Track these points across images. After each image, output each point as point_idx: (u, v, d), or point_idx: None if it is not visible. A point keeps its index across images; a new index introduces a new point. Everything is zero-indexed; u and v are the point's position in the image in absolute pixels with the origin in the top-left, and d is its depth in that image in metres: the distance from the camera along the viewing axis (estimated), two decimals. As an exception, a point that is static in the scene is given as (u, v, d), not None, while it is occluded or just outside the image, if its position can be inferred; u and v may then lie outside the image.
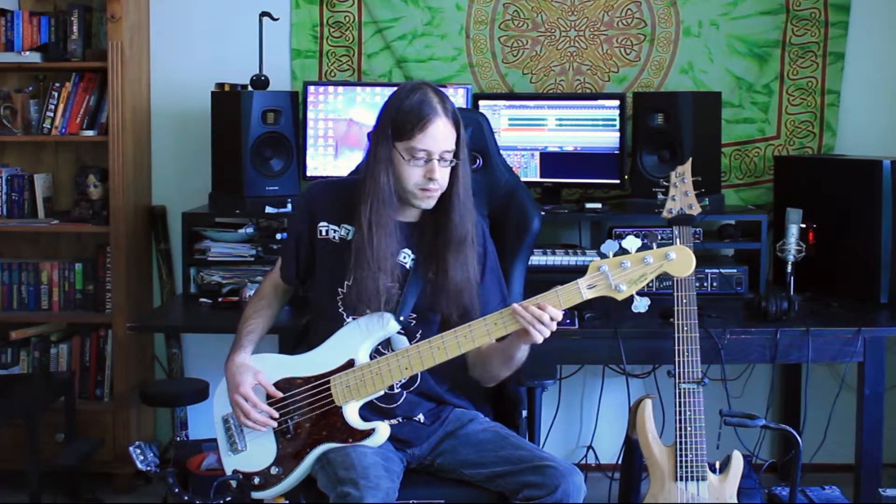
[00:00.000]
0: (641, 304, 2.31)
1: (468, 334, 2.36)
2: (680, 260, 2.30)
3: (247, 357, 2.52)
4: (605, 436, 4.02)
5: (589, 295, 2.32)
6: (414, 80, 2.49)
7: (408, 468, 2.50)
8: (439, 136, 2.37)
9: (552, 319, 2.30)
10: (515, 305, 2.32)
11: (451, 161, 2.40)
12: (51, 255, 4.06)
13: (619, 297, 2.31)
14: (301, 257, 2.57)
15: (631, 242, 2.30)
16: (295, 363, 2.50)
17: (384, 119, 2.42)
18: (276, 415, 2.46)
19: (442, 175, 2.39)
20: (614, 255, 2.30)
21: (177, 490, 2.56)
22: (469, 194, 2.46)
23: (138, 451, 2.58)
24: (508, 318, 2.34)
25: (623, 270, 2.29)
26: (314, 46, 4.03)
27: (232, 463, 2.51)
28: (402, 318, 2.45)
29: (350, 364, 2.43)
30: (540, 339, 2.32)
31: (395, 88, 2.47)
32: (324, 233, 2.52)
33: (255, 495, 2.49)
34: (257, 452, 2.48)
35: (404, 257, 2.48)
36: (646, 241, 3.59)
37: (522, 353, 2.43)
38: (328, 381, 2.43)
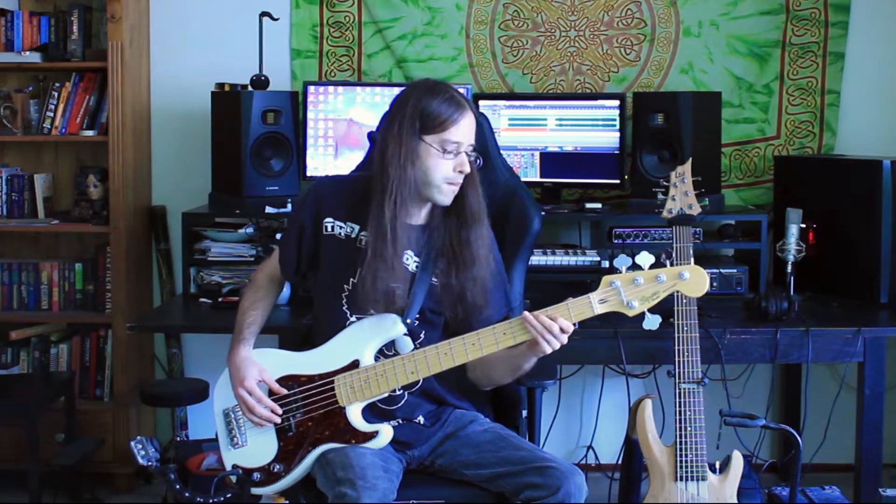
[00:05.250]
0: (652, 322, 2.31)
1: (476, 342, 2.36)
2: (693, 279, 2.30)
3: (250, 350, 2.52)
4: (605, 436, 4.02)
5: (600, 310, 2.32)
6: (426, 79, 2.50)
7: (408, 469, 2.50)
8: (468, 128, 2.41)
9: (563, 331, 2.30)
10: (526, 314, 2.31)
11: (473, 155, 2.42)
12: (51, 255, 4.07)
13: (631, 313, 2.31)
14: (303, 252, 2.56)
15: (644, 258, 2.29)
16: (299, 360, 2.50)
17: (406, 113, 2.39)
18: (280, 411, 2.45)
19: (469, 166, 2.41)
20: (627, 271, 2.30)
21: (178, 486, 2.55)
22: (482, 202, 2.48)
23: (139, 445, 2.57)
24: (518, 327, 2.34)
25: (636, 287, 2.29)
26: (314, 46, 4.03)
27: (231, 458, 2.50)
28: (407, 321, 2.45)
29: (355, 365, 2.43)
30: (549, 350, 2.32)
31: (408, 88, 2.47)
32: (329, 229, 2.52)
33: (255, 491, 2.49)
34: (258, 448, 2.48)
35: (407, 259, 2.48)
36: (647, 239, 3.59)
37: (529, 363, 2.43)
38: (332, 381, 2.43)
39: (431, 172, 2.39)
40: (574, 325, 2.33)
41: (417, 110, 2.38)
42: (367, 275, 2.40)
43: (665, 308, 2.99)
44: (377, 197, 2.41)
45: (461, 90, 3.67)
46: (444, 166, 2.39)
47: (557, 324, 2.30)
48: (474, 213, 2.45)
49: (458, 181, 2.41)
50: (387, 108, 2.51)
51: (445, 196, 2.43)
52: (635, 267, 2.30)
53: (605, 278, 2.31)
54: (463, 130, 2.39)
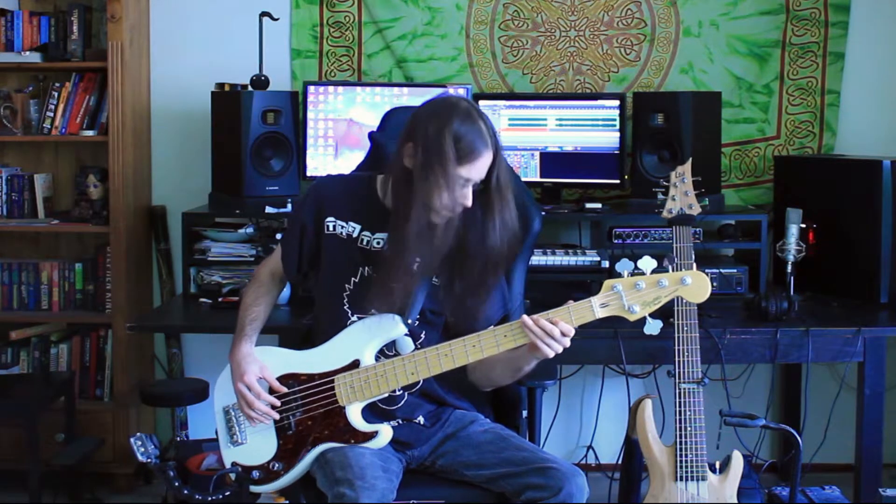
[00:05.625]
0: (653, 327, 2.31)
1: (476, 344, 2.36)
2: (696, 285, 2.30)
3: (252, 346, 2.52)
4: (605, 436, 4.02)
5: (601, 314, 2.31)
6: (458, 101, 2.41)
7: (408, 469, 2.50)
8: (482, 167, 2.37)
9: (563, 335, 2.30)
10: (525, 318, 2.31)
11: (477, 185, 2.40)
12: (51, 255, 4.06)
13: (632, 318, 2.31)
14: (304, 250, 2.56)
15: (646, 263, 2.29)
16: (299, 359, 2.50)
17: (433, 138, 2.33)
18: (279, 404, 2.45)
19: (469, 199, 2.39)
20: (629, 275, 2.30)
21: (177, 483, 2.56)
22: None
23: (139, 442, 2.58)
24: (519, 331, 2.33)
25: (637, 292, 2.29)
26: (314, 46, 4.03)
27: (231, 455, 2.51)
28: (409, 321, 2.45)
29: (355, 364, 2.43)
30: (551, 354, 2.32)
31: (440, 100, 2.41)
32: (331, 228, 2.52)
33: (254, 490, 2.49)
34: (257, 446, 2.48)
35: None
36: (647, 239, 3.59)
37: (530, 366, 2.43)
38: (332, 381, 2.43)
39: (433, 199, 2.37)
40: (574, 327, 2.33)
41: (446, 141, 2.33)
42: (366, 282, 2.41)
43: (665, 308, 3.01)
44: (396, 208, 2.40)
45: (461, 90, 3.74)
46: (446, 197, 2.38)
47: (558, 328, 2.30)
48: (475, 216, 2.45)
49: (456, 210, 2.40)
50: (388, 108, 2.51)
51: (440, 219, 2.42)
52: (638, 272, 2.30)
53: (607, 282, 2.31)
54: (477, 169, 2.37)
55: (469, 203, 2.39)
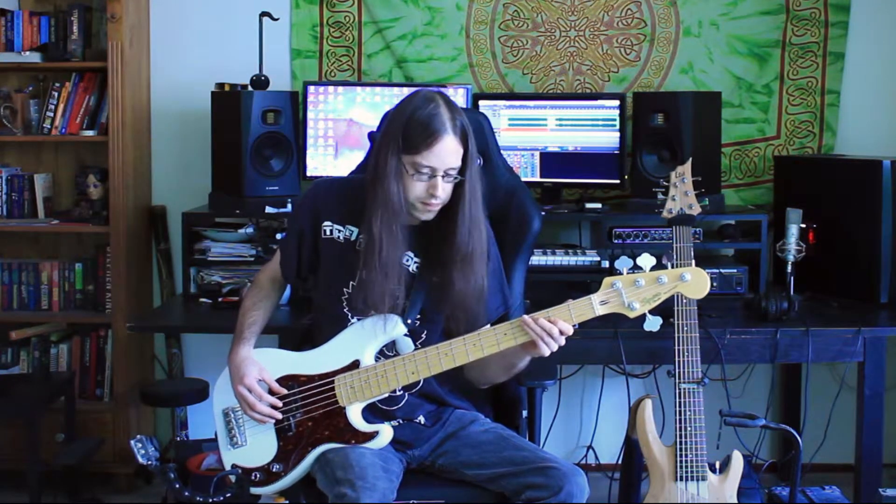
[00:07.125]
0: (653, 323, 2.32)
1: (477, 342, 2.36)
2: (695, 281, 2.30)
3: (250, 350, 2.52)
4: (605, 436, 4.02)
5: (601, 311, 2.32)
6: (427, 90, 2.43)
7: (408, 469, 2.50)
8: (445, 153, 2.34)
9: (561, 333, 2.30)
10: (525, 317, 2.31)
11: (456, 177, 2.39)
12: (51, 255, 4.06)
13: (632, 314, 2.31)
14: (303, 255, 2.56)
15: (645, 260, 2.30)
16: (299, 360, 2.50)
17: (393, 127, 2.37)
18: (280, 405, 2.45)
19: (444, 190, 2.37)
20: (628, 272, 2.30)
21: (177, 485, 2.56)
22: (479, 208, 2.44)
23: (139, 444, 2.58)
24: (518, 328, 2.33)
25: (637, 289, 2.30)
26: (314, 46, 4.03)
27: (231, 457, 2.50)
28: (408, 322, 2.45)
29: (355, 365, 2.43)
30: (547, 353, 2.32)
31: (408, 94, 2.44)
32: (328, 233, 2.52)
33: (254, 491, 2.49)
34: (257, 448, 2.48)
35: (407, 260, 2.48)
36: (647, 239, 3.59)
37: (524, 362, 2.44)
38: (332, 381, 2.43)
39: (405, 192, 2.37)
40: (574, 325, 2.33)
41: (400, 126, 2.35)
42: (362, 281, 2.41)
43: (665, 308, 3.01)
44: (368, 206, 2.40)
45: (461, 91, 3.74)
46: (417, 188, 2.36)
47: (557, 327, 2.30)
48: (471, 214, 2.44)
49: (433, 203, 2.38)
50: (388, 108, 2.51)
51: (422, 213, 2.41)
52: (636, 269, 2.31)
53: (607, 279, 2.32)
54: (436, 156, 2.33)
55: (440, 194, 2.36)
